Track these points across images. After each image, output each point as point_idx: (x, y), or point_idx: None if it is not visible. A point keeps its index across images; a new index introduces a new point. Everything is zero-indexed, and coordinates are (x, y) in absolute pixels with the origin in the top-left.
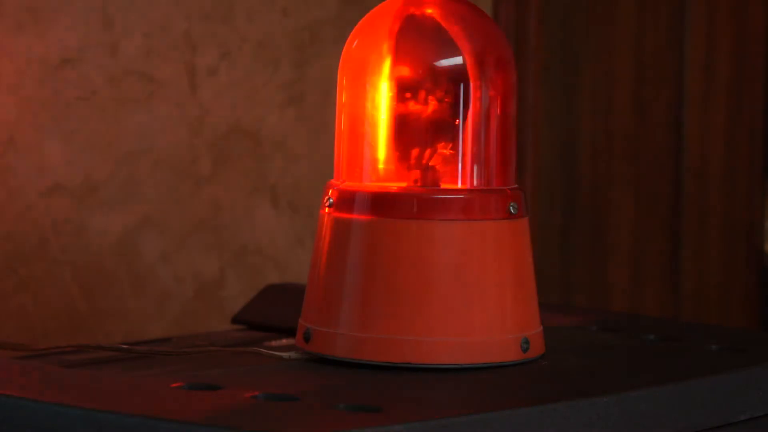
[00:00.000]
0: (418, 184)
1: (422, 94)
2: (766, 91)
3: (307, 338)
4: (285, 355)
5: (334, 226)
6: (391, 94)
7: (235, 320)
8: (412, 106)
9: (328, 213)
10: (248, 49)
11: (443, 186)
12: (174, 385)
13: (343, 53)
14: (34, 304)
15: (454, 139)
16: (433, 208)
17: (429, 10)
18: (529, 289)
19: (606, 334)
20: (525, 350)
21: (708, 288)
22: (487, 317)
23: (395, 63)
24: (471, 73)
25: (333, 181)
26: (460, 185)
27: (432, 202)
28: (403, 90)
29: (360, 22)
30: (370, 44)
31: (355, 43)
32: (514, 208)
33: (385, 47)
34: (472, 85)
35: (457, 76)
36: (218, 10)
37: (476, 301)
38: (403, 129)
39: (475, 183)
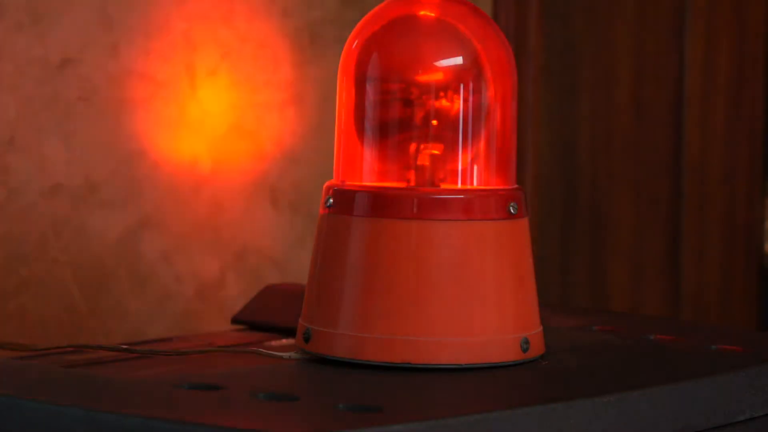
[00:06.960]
0: (419, 184)
1: (422, 94)
2: (766, 91)
3: (307, 338)
4: (285, 355)
5: (333, 227)
6: (391, 95)
7: (235, 320)
8: (412, 107)
9: (328, 213)
10: (248, 49)
11: (443, 186)
12: (174, 385)
13: (343, 53)
14: (34, 304)
15: (454, 139)
16: (433, 208)
17: (428, 11)
18: (529, 289)
19: (606, 334)
20: (525, 350)
21: (708, 288)
22: (487, 317)
23: (395, 63)
24: (471, 73)
25: (332, 181)
26: (460, 185)
27: (432, 202)
28: (403, 90)
29: (360, 22)
30: (370, 44)
31: (355, 43)
32: (514, 208)
33: (385, 48)
34: (472, 85)
35: (457, 76)
36: (218, 11)
37: (476, 301)
38: (403, 129)
39: (475, 183)
